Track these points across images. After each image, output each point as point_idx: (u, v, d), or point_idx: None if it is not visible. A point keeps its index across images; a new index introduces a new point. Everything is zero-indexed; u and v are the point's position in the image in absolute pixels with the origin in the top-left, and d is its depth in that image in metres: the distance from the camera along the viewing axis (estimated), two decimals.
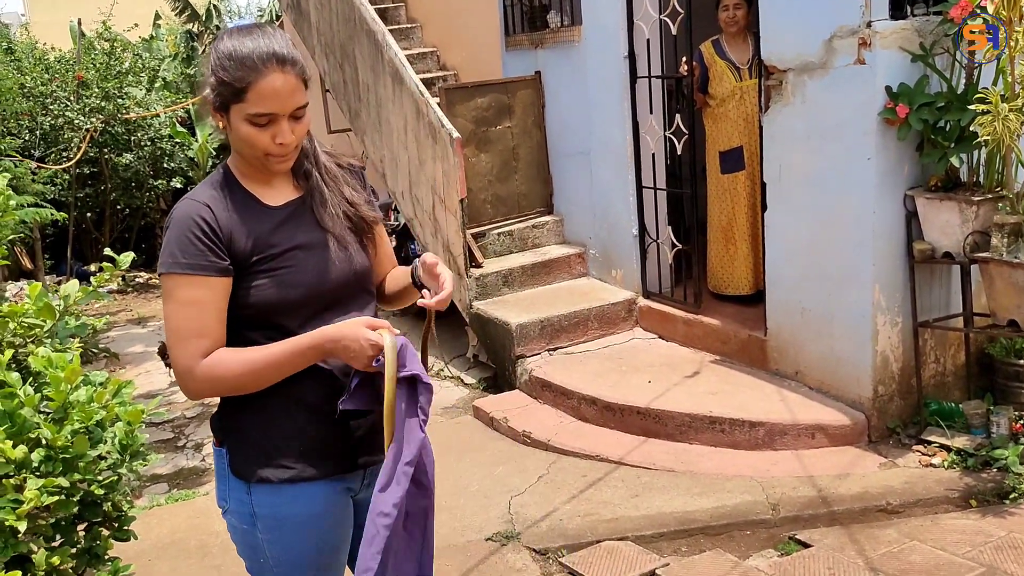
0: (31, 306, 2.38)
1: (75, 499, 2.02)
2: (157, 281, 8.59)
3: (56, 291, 2.55)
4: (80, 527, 2.17)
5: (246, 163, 1.79)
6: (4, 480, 1.90)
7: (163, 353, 5.11)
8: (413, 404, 1.70)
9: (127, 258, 2.53)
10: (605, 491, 3.85)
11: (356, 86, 6.70)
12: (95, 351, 6.35)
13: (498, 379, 5.41)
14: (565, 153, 5.99)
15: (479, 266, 5.65)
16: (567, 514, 3.69)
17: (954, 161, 3.74)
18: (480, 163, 5.92)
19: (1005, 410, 3.83)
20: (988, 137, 3.49)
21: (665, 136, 5.18)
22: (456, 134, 5.32)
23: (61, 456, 1.97)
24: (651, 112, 5.17)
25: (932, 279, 4.06)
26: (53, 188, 9.01)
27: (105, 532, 2.22)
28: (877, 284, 3.91)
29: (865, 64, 3.79)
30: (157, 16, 14.93)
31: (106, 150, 9.67)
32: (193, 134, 10.84)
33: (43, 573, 2.01)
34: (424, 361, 1.85)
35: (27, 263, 9.45)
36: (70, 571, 2.10)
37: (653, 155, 5.24)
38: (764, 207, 4.41)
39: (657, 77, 5.12)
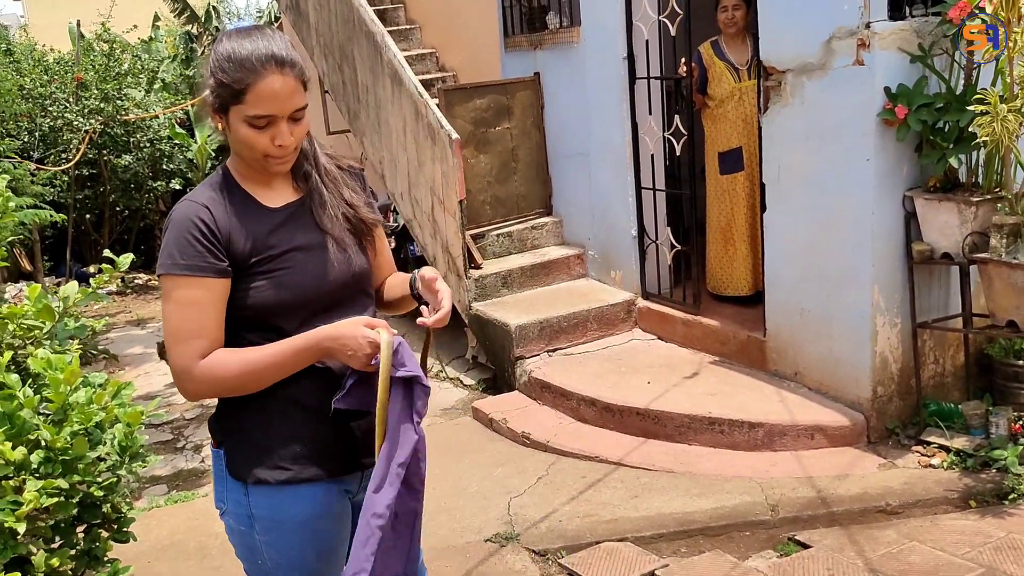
0: (30, 308, 2.38)
1: (74, 501, 2.02)
2: (156, 282, 8.61)
3: (55, 293, 2.55)
4: (79, 528, 2.17)
5: (245, 164, 1.79)
6: (4, 482, 1.90)
7: (163, 353, 5.11)
8: (408, 405, 1.69)
9: (126, 260, 2.53)
10: (604, 492, 3.85)
11: (355, 87, 6.70)
12: (94, 352, 6.35)
13: (497, 380, 5.41)
14: (564, 154, 5.99)
15: (478, 267, 5.65)
16: (566, 515, 3.69)
17: (953, 162, 3.74)
18: (479, 164, 5.92)
19: (1004, 411, 3.83)
20: (987, 138, 3.49)
21: (664, 137, 5.18)
22: (455, 135, 5.32)
23: (60, 458, 1.97)
24: (650, 113, 5.18)
25: (931, 280, 4.06)
26: (52, 190, 9.01)
27: (104, 534, 2.22)
28: (876, 285, 3.92)
29: (864, 65, 3.79)
30: (156, 18, 14.94)
31: (105, 152, 9.68)
32: (192, 135, 10.84)
33: (42, 574, 2.00)
34: (423, 373, 1.85)
35: (26, 265, 9.44)
36: (69, 573, 2.10)
37: (652, 156, 5.24)
38: (763, 208, 4.41)
39: (656, 78, 5.12)
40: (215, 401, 1.86)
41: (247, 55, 1.67)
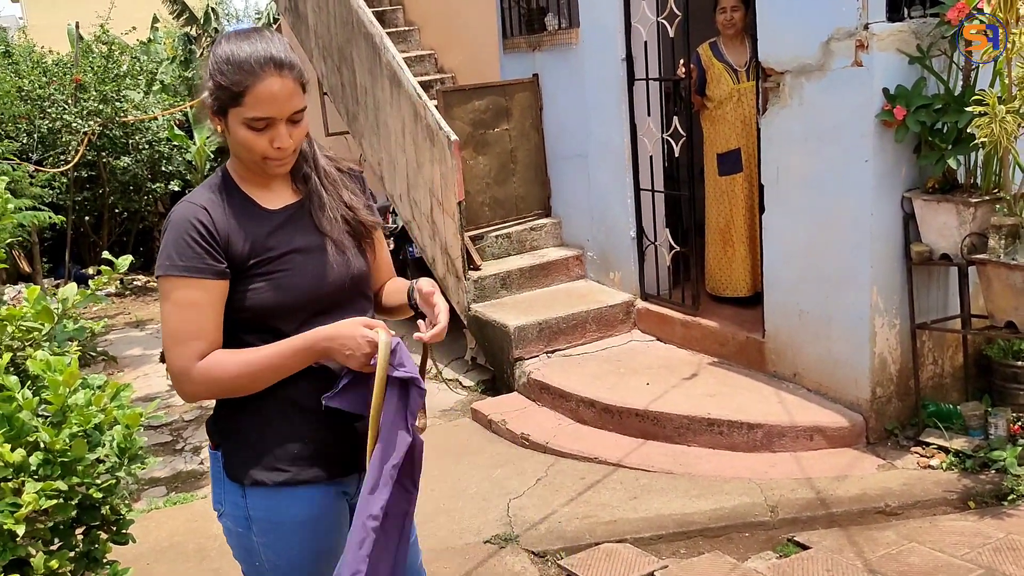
0: (29, 309, 2.38)
1: (73, 503, 2.02)
2: (155, 284, 8.59)
3: (54, 294, 2.55)
4: (78, 531, 2.17)
5: (244, 166, 1.79)
6: (2, 484, 1.89)
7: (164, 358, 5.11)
8: (404, 407, 1.69)
9: (125, 261, 2.53)
10: (603, 493, 3.85)
11: (354, 89, 6.70)
12: (93, 354, 6.35)
13: (496, 381, 5.41)
14: (563, 155, 5.99)
15: (477, 269, 5.65)
16: (565, 516, 3.69)
17: (951, 163, 3.75)
18: (478, 166, 5.92)
19: (1003, 411, 3.83)
20: (985, 139, 3.49)
21: (663, 138, 5.18)
22: (454, 137, 5.32)
23: (59, 460, 1.96)
24: (649, 114, 5.18)
25: (930, 281, 4.07)
26: (51, 191, 9.01)
27: (103, 535, 2.22)
28: (875, 286, 3.92)
29: (862, 66, 3.80)
30: (155, 19, 14.93)
31: (104, 153, 9.67)
32: (191, 137, 10.83)
33: None
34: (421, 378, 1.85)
35: (25, 266, 9.44)
36: (68, 574, 2.09)
37: (651, 157, 5.24)
38: (762, 209, 4.42)
39: (655, 79, 5.13)
40: (214, 403, 1.86)
41: (246, 57, 1.67)
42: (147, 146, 9.99)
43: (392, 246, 6.56)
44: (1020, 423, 3.80)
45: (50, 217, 7.84)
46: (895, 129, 3.79)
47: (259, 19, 17.53)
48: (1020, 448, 3.64)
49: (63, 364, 2.05)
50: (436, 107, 5.61)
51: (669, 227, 5.30)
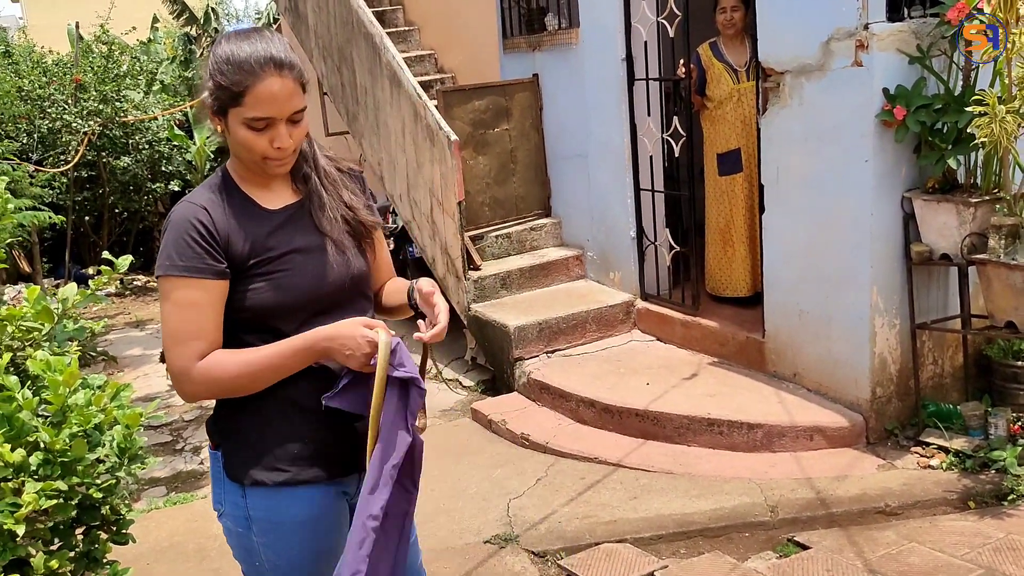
0: (29, 309, 2.38)
1: (73, 503, 2.02)
2: (155, 284, 8.59)
3: (54, 294, 2.55)
4: (78, 531, 2.17)
5: (244, 166, 1.79)
6: (2, 484, 1.89)
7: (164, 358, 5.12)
8: (404, 407, 1.69)
9: (125, 261, 2.53)
10: (603, 493, 3.85)
11: (354, 89, 6.70)
12: (93, 354, 6.35)
13: (496, 382, 5.41)
14: (563, 155, 5.99)
15: (477, 269, 5.65)
16: (565, 516, 3.69)
17: (951, 163, 3.75)
18: (478, 166, 5.92)
19: (1003, 411, 3.83)
20: (985, 139, 3.50)
21: (663, 138, 5.18)
22: (454, 137, 5.32)
23: (59, 460, 1.96)
24: (649, 114, 5.18)
25: (930, 281, 4.07)
26: (51, 191, 9.01)
27: (103, 535, 2.22)
28: (875, 286, 3.92)
29: (862, 66, 3.80)
30: (155, 19, 14.93)
31: (104, 153, 9.67)
32: (191, 137, 10.83)
33: None
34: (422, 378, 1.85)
35: (25, 266, 9.44)
36: (68, 574, 2.09)
37: (651, 157, 5.24)
38: (762, 209, 4.42)
39: (655, 79, 5.13)
40: (214, 403, 1.86)
41: (245, 57, 1.67)
42: (147, 146, 9.99)
43: (392, 246, 6.56)
44: (1020, 423, 3.80)
45: (50, 217, 7.84)
46: (895, 129, 3.79)
47: (259, 19, 17.52)
48: (1020, 448, 3.64)
49: (63, 364, 2.05)
50: (436, 107, 5.61)
51: (669, 227, 5.30)
